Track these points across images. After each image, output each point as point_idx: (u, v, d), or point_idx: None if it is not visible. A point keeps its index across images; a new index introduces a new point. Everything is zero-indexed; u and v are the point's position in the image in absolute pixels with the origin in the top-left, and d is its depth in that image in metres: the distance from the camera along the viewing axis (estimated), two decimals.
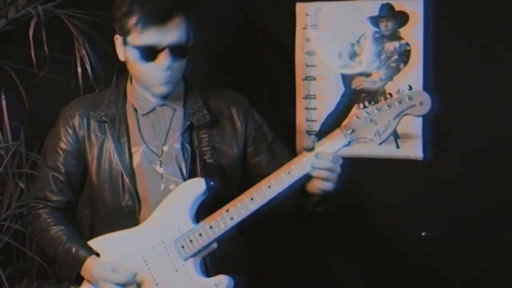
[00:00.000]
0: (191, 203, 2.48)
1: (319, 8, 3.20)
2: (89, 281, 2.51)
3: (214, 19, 3.22)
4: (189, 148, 2.53)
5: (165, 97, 2.56)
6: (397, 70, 3.10)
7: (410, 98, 2.33)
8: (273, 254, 3.32)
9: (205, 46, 2.74)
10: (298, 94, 3.25)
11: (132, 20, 2.42)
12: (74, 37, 3.24)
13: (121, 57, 2.53)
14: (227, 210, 2.43)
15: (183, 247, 2.47)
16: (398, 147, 3.11)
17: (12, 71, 3.35)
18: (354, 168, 3.08)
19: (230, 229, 2.45)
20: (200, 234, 2.45)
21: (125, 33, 2.46)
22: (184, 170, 2.52)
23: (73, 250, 2.51)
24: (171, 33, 2.41)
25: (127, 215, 2.52)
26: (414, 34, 3.06)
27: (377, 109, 2.34)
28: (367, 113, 2.35)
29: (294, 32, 3.24)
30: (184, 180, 2.51)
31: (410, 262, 3.17)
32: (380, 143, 2.37)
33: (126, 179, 2.52)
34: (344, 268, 3.29)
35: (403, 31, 3.09)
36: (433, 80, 3.05)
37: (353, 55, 3.17)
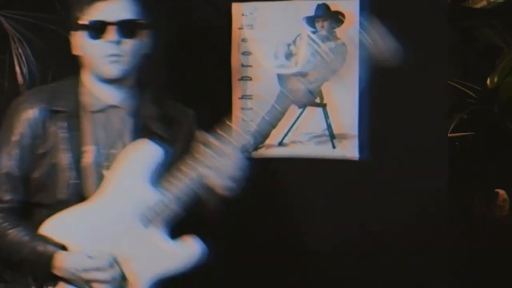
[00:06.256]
0: (149, 168, 2.45)
1: (255, 8, 3.20)
2: (64, 279, 2.41)
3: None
4: None
5: (118, 99, 2.53)
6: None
7: None
8: None
9: None
10: (234, 94, 3.24)
11: (80, 2, 2.48)
12: (10, 37, 3.17)
13: (76, 51, 2.53)
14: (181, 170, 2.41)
15: (147, 217, 2.42)
16: (334, 147, 3.14)
17: None
18: (290, 168, 3.09)
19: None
20: (162, 202, 2.41)
21: (76, 20, 2.49)
22: None
23: (39, 248, 2.40)
24: (117, 9, 2.47)
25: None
26: (349, 34, 3.08)
27: None
28: None
29: (230, 32, 3.23)
30: None
31: (346, 261, 3.18)
32: None
33: (72, 176, 2.46)
34: (279, 269, 3.26)
35: (339, 31, 3.11)
36: (369, 80, 3.07)
37: (289, 55, 3.17)
